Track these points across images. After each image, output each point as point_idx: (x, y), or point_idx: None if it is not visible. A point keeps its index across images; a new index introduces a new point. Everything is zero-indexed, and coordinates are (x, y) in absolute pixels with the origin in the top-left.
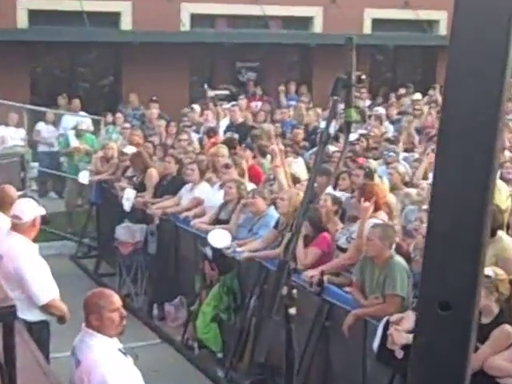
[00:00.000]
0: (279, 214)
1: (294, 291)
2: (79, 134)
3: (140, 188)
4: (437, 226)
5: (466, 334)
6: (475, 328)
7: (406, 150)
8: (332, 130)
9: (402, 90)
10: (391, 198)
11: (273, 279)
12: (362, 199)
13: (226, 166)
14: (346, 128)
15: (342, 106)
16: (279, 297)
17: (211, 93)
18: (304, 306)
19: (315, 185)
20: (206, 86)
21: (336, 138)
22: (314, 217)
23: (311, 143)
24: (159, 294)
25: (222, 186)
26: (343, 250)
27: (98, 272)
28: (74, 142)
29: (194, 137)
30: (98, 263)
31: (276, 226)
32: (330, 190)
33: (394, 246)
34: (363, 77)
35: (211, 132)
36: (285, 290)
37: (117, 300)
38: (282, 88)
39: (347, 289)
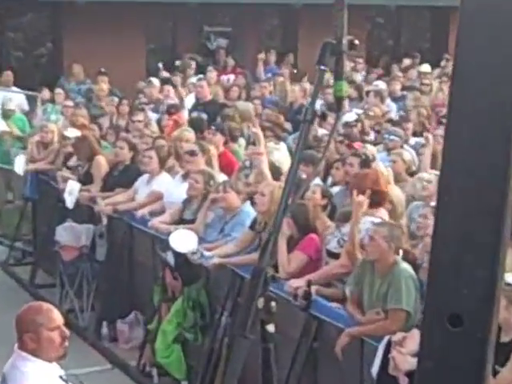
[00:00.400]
0: (257, 211)
1: (273, 304)
2: (7, 114)
3: (86, 180)
4: (445, 223)
5: (481, 355)
6: (492, 347)
7: (414, 134)
8: (318, 106)
9: (407, 61)
10: (395, 192)
11: (247, 289)
12: (355, 192)
13: (192, 153)
14: (336, 105)
15: (331, 79)
16: (254, 311)
17: (165, 74)
18: (288, 322)
19: (302, 176)
20: (160, 65)
21: (324, 117)
22: (298, 213)
23: (296, 125)
24: (109, 309)
25: (185, 178)
26: (334, 256)
27: (34, 282)
28: (1, 125)
29: (152, 117)
30: (34, 272)
31: (252, 227)
32: (318, 182)
33: (401, 252)
34: (356, 42)
35: (173, 110)
36: (261, 303)
37: (57, 316)
38: (261, 56)
39: (337, 303)
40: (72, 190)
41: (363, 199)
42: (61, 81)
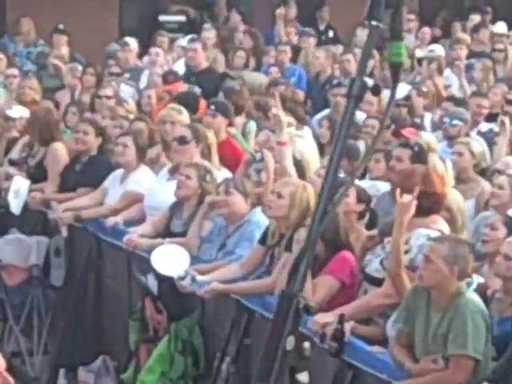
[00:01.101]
0: (269, 218)
1: (306, 345)
2: None
3: (37, 176)
4: None
5: None
6: None
7: (489, 118)
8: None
9: (475, 18)
10: (454, 195)
11: (271, 325)
12: (398, 191)
13: (181, 141)
14: (391, 74)
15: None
16: (281, 354)
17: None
18: (314, 371)
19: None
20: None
21: (376, 91)
22: (326, 226)
23: (322, 103)
24: (69, 352)
25: (174, 173)
26: (376, 282)
27: None
28: None
29: (128, 91)
30: None
31: (263, 240)
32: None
33: (469, 279)
34: None
35: (170, 77)
36: (291, 343)
37: None
38: (280, 12)
39: (379, 347)
40: (18, 190)
41: (410, 199)
42: (3, 41)
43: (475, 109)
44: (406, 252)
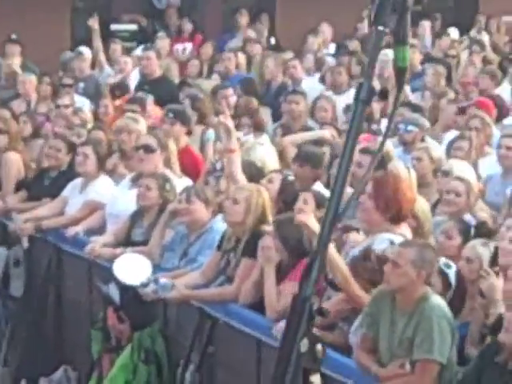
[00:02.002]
0: (227, 223)
1: (319, 347)
2: None
3: None
4: None
5: None
6: None
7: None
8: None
9: (425, 24)
10: (420, 202)
11: (285, 328)
12: (365, 197)
13: (147, 149)
14: (397, 79)
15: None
16: (296, 356)
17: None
18: None
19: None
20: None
21: (384, 95)
22: (287, 232)
23: (275, 111)
24: (29, 363)
25: (136, 181)
26: (339, 288)
27: None
28: None
29: (81, 101)
30: None
31: (219, 246)
32: (319, 185)
33: (432, 281)
34: None
35: (118, 90)
36: (305, 345)
37: None
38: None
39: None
40: None
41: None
42: None
43: None
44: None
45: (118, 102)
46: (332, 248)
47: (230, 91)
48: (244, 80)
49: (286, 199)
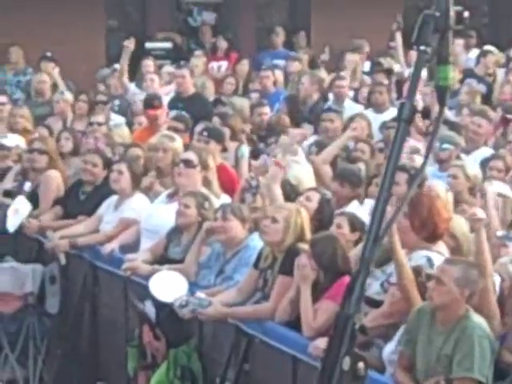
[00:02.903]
0: (265, 242)
1: (361, 365)
2: None
3: (32, 203)
4: None
5: None
6: None
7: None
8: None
9: (459, 42)
10: (458, 221)
11: (328, 346)
12: (401, 216)
13: (188, 164)
14: (438, 97)
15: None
16: (338, 374)
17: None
18: None
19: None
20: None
21: (426, 114)
22: (323, 251)
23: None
24: (65, 380)
25: (173, 197)
26: (376, 305)
27: None
28: None
29: (118, 119)
30: None
31: (256, 263)
32: (355, 206)
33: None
34: (466, 14)
35: (157, 100)
36: (347, 363)
37: None
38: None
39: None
40: (19, 210)
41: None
42: None
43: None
44: None
45: (152, 112)
46: (400, 250)
47: (267, 109)
48: (288, 97)
49: (323, 218)
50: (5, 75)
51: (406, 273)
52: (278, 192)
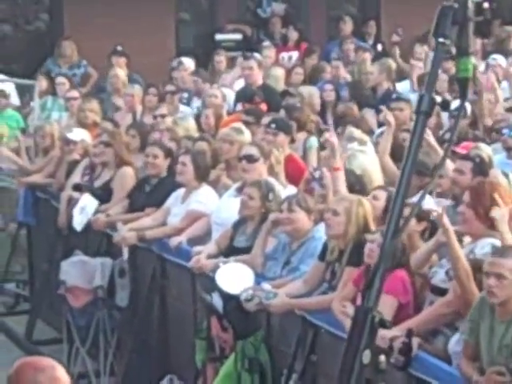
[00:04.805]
0: (328, 236)
1: (382, 358)
2: None
3: (102, 198)
4: None
5: None
6: None
7: None
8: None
9: (477, 42)
10: None
11: (348, 339)
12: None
13: (250, 159)
14: (460, 89)
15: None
16: (358, 368)
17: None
18: None
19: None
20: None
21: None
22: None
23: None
24: (136, 372)
25: (240, 192)
26: (442, 293)
27: (31, 338)
28: None
29: (187, 111)
30: (32, 323)
31: (322, 256)
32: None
33: None
34: (486, 5)
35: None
36: (367, 357)
37: (62, 376)
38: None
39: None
40: (85, 207)
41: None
42: (47, 64)
43: None
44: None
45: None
46: (455, 241)
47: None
48: (351, 84)
49: None
50: (60, 69)
51: (461, 266)
52: (341, 182)
